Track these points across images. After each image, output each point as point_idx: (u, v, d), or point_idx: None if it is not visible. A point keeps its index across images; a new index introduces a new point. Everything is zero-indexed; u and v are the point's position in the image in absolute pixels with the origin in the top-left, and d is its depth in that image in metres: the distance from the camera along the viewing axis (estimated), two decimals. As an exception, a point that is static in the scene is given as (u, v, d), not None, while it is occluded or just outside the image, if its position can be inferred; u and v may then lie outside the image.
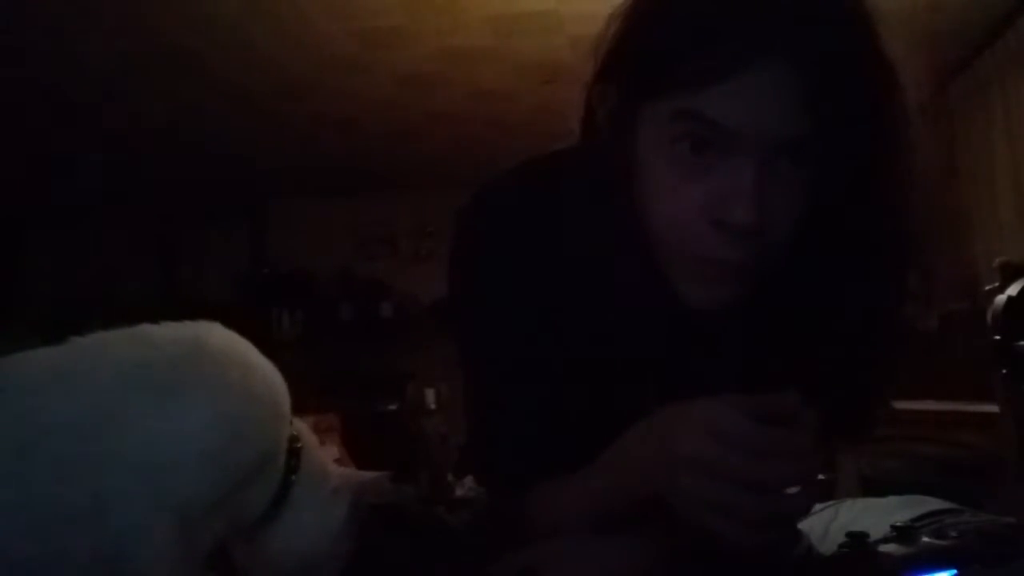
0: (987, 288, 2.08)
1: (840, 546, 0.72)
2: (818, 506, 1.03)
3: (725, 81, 0.61)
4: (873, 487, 2.18)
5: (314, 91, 3.62)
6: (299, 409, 0.86)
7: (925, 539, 0.71)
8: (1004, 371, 1.85)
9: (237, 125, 4.01)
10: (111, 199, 5.02)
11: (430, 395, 4.90)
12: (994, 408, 2.17)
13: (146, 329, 0.78)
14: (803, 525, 0.98)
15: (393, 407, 4.76)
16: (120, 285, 4.88)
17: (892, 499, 1.00)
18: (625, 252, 0.71)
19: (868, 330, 0.72)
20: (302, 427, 0.87)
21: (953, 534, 0.73)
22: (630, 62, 0.69)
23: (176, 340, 0.77)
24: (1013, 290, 1.83)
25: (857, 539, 0.70)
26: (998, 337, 1.80)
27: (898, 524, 0.74)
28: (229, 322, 0.84)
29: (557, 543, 0.74)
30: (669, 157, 0.66)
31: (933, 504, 0.93)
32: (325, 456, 0.90)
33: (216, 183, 4.96)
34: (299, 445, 0.83)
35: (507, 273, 0.78)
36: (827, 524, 0.97)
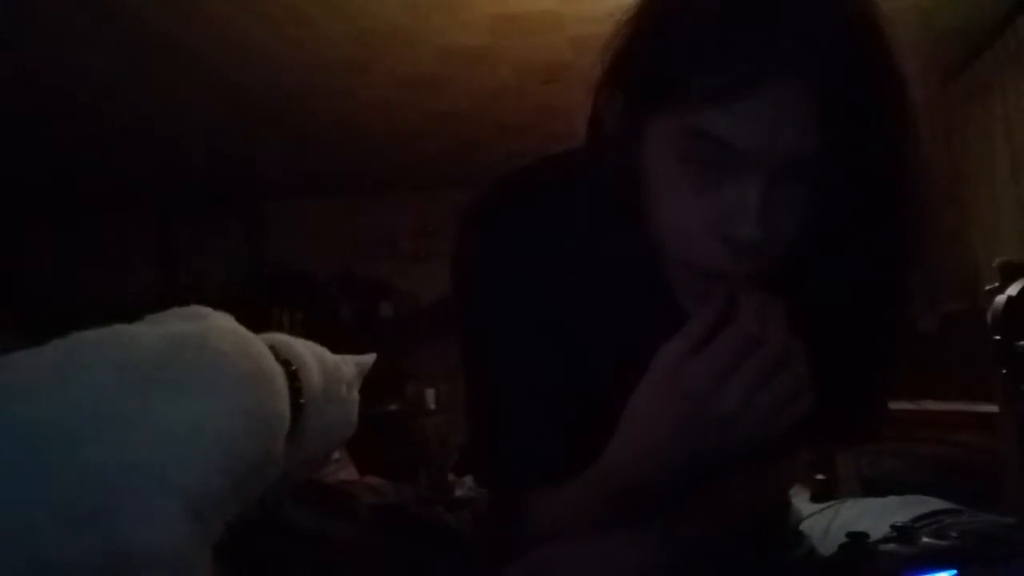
0: (987, 288, 2.07)
1: (840, 546, 0.72)
2: (818, 506, 1.03)
3: (736, 101, 0.61)
4: (873, 487, 2.18)
5: (314, 91, 3.62)
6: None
7: (925, 539, 0.71)
8: (1004, 371, 1.85)
9: (237, 125, 4.01)
10: (111, 199, 5.02)
11: (430, 395, 4.90)
12: (994, 408, 2.16)
13: (126, 328, 0.78)
14: (803, 525, 0.98)
15: (393, 407, 4.76)
16: (120, 285, 4.88)
17: (892, 499, 1.00)
18: (628, 259, 0.71)
19: (873, 335, 0.72)
20: (287, 340, 0.89)
21: (953, 534, 0.73)
22: (638, 73, 0.68)
23: (165, 336, 0.76)
24: (1013, 290, 1.83)
25: (857, 539, 0.70)
26: (998, 337, 1.80)
27: (898, 524, 0.74)
28: (229, 322, 0.84)
29: (561, 545, 0.74)
30: (676, 169, 0.66)
31: (933, 504, 0.93)
32: (323, 352, 0.93)
33: (216, 183, 4.96)
34: (294, 368, 0.84)
35: (509, 276, 0.78)
36: (827, 524, 0.97)
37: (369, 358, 1.01)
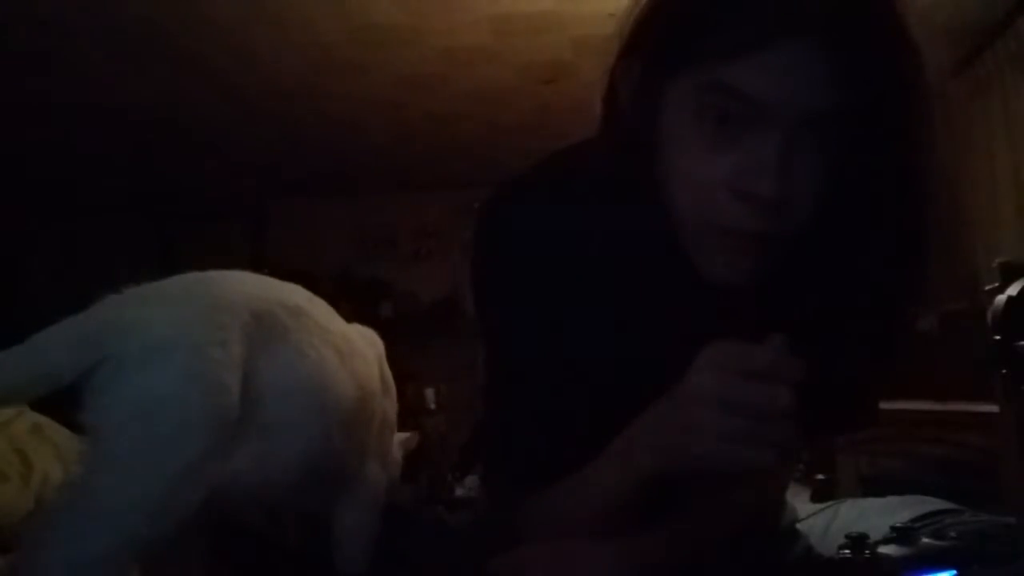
0: (987, 288, 2.07)
1: (840, 547, 0.72)
2: (818, 506, 1.03)
3: (754, 53, 0.62)
4: (873, 487, 2.17)
5: (314, 91, 3.62)
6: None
7: (925, 539, 0.71)
8: (1004, 371, 1.84)
9: (237, 125, 4.00)
10: (111, 199, 5.02)
11: (430, 395, 4.89)
12: (994, 408, 2.16)
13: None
14: (803, 525, 0.98)
15: (393, 407, 4.74)
16: (120, 285, 4.87)
17: (892, 499, 1.00)
18: (647, 232, 0.71)
19: (884, 310, 0.72)
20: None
21: (953, 534, 0.73)
22: (658, 34, 0.69)
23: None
24: (1013, 290, 1.83)
25: (857, 540, 0.70)
26: (998, 337, 1.80)
27: (898, 524, 0.74)
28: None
29: (545, 546, 0.74)
30: (694, 129, 0.66)
31: (933, 504, 0.93)
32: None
33: (216, 183, 4.96)
34: None
35: (529, 271, 0.78)
36: (827, 524, 0.97)
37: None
